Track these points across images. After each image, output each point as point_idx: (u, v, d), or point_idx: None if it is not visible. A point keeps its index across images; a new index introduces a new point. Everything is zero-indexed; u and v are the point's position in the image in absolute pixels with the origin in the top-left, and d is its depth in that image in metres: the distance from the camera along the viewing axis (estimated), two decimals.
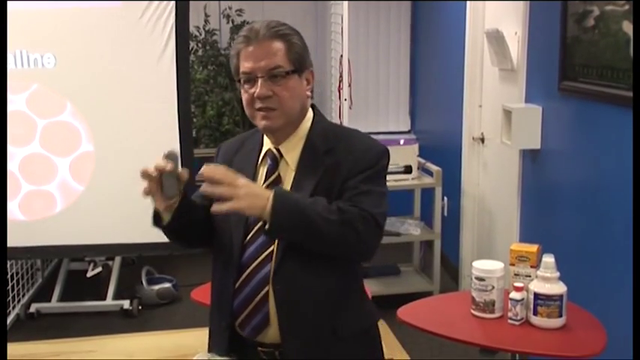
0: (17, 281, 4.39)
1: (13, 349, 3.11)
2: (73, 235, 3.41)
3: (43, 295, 4.54)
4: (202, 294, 2.82)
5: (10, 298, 4.25)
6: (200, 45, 5.46)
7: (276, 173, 1.78)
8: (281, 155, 1.79)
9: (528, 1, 3.59)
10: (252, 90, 1.70)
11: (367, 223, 1.69)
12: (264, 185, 1.77)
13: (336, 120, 5.23)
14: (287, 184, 1.76)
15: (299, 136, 1.79)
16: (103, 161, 3.33)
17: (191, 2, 3.27)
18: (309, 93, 1.78)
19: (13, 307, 4.29)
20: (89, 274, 4.42)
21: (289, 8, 5.85)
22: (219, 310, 1.84)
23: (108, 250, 3.73)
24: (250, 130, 1.96)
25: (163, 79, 3.24)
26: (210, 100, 5.28)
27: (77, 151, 3.33)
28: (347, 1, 4.67)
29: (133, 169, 3.30)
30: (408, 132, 6.11)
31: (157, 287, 4.56)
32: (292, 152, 1.78)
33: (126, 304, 4.35)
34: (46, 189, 3.37)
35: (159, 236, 3.32)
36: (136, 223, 3.36)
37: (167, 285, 4.59)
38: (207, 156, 5.25)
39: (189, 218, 1.76)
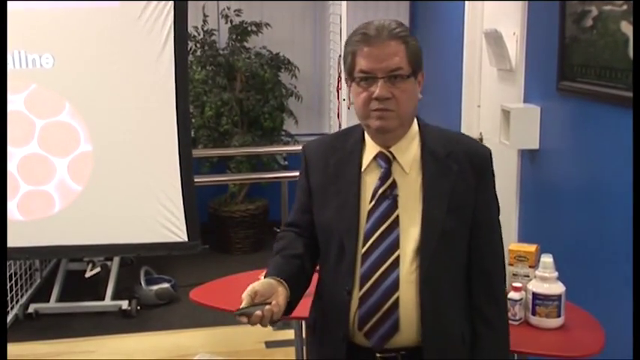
0: (16, 281, 4.39)
1: (11, 349, 3.10)
2: (72, 236, 3.40)
3: (42, 295, 4.53)
4: (201, 294, 2.81)
5: (8, 298, 4.25)
6: (198, 45, 5.45)
7: (391, 178, 1.72)
8: (394, 157, 1.73)
9: (527, 1, 3.59)
10: (372, 89, 1.65)
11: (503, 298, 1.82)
12: (381, 190, 1.71)
13: (334, 119, 5.23)
14: (403, 189, 1.71)
15: (409, 138, 1.74)
16: (101, 161, 3.32)
17: (189, 2, 3.26)
18: (420, 95, 1.74)
19: (12, 308, 4.29)
20: (88, 274, 4.41)
21: (288, 8, 5.85)
22: (333, 322, 1.75)
23: (106, 251, 3.73)
24: (336, 132, 1.90)
25: (162, 80, 3.23)
26: (209, 100, 5.27)
27: (76, 151, 3.33)
28: (345, 1, 4.68)
29: (131, 169, 3.32)
30: None
31: (155, 287, 4.55)
32: (406, 155, 1.73)
33: (124, 304, 4.35)
34: (45, 189, 3.37)
35: (157, 236, 3.34)
36: (134, 223, 3.37)
37: (166, 285, 4.59)
38: (206, 156, 5.27)
39: (302, 287, 1.75)
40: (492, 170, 1.76)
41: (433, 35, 5.46)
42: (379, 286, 1.67)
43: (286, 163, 4.53)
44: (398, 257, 1.68)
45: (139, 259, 4.77)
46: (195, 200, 3.32)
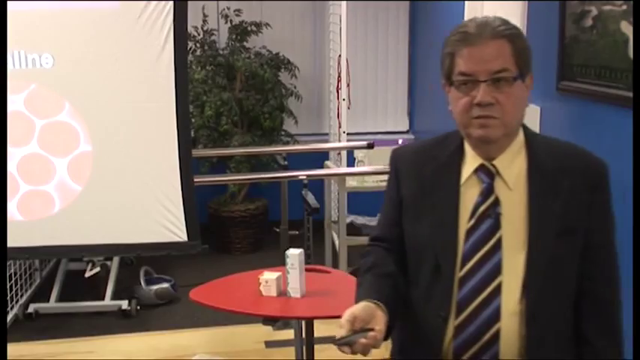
0: (15, 281, 4.39)
1: (11, 349, 3.10)
2: (71, 236, 3.40)
3: (42, 295, 4.53)
4: (201, 294, 2.82)
5: (8, 298, 4.25)
6: (198, 45, 5.45)
7: (494, 194, 1.55)
8: (497, 172, 1.56)
9: (526, 1, 3.59)
10: (473, 94, 1.50)
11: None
12: (483, 208, 1.55)
13: (334, 120, 5.23)
14: (507, 208, 1.54)
15: (515, 150, 1.56)
16: (101, 161, 3.32)
17: (189, 2, 3.26)
18: (527, 101, 1.58)
19: (12, 308, 4.29)
20: (87, 274, 4.41)
21: (288, 8, 5.85)
22: (424, 348, 1.59)
23: (106, 250, 3.72)
24: (431, 138, 1.73)
25: (162, 80, 3.23)
26: (209, 100, 5.27)
27: (75, 151, 3.33)
28: (345, 1, 4.68)
29: (131, 169, 3.32)
30: (407, 132, 6.12)
31: (155, 287, 4.56)
32: (510, 169, 1.56)
33: (124, 304, 4.35)
34: (44, 189, 3.36)
35: (157, 236, 3.33)
36: (134, 223, 3.36)
37: (165, 285, 4.59)
38: (206, 156, 5.26)
39: (398, 308, 1.60)
40: (608, 186, 1.58)
41: (433, 36, 5.46)
42: (478, 315, 1.52)
43: (286, 163, 4.53)
44: (500, 285, 1.51)
45: (138, 259, 4.77)
46: (194, 200, 3.31)
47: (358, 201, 4.83)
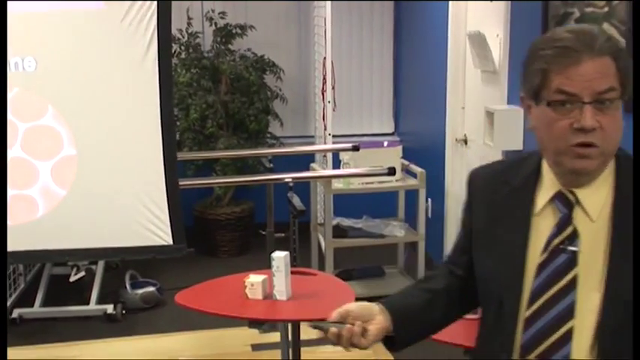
0: None
1: None
2: (56, 240, 3.38)
3: (26, 300, 4.50)
4: (187, 297, 2.81)
5: None
6: (183, 48, 5.44)
7: (572, 226, 1.38)
8: (577, 201, 1.38)
9: (509, 2, 3.61)
10: (573, 115, 1.31)
11: None
12: (557, 241, 1.38)
13: (319, 123, 5.24)
14: (586, 242, 1.36)
15: (602, 177, 1.38)
16: (85, 165, 3.31)
17: (173, 5, 3.25)
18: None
19: None
20: (72, 278, 4.39)
21: (272, 10, 5.85)
22: (495, 341, 1.46)
23: (91, 255, 3.70)
24: (510, 158, 1.61)
25: (146, 82, 3.22)
26: (194, 103, 5.26)
27: (59, 155, 3.31)
28: (330, 2, 4.68)
29: (115, 172, 3.31)
30: (392, 134, 6.13)
31: (140, 291, 4.54)
32: (593, 198, 1.37)
33: (109, 308, 4.32)
34: (28, 193, 3.34)
35: (142, 240, 3.32)
36: (119, 226, 3.35)
37: (151, 289, 4.57)
38: (191, 159, 5.25)
39: (418, 324, 1.55)
40: None
41: (418, 36, 5.48)
42: (551, 308, 1.37)
43: (271, 165, 4.53)
44: (572, 329, 1.34)
45: (124, 263, 4.75)
46: (180, 203, 3.31)
47: (344, 203, 4.84)
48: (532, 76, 1.36)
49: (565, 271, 1.37)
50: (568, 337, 1.35)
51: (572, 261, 1.36)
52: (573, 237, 1.37)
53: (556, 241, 1.38)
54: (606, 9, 2.71)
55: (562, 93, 1.32)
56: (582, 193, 1.38)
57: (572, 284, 1.36)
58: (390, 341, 1.54)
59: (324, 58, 4.92)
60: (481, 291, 1.52)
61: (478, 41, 3.97)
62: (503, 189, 1.48)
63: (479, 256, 1.52)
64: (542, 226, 1.41)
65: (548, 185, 1.42)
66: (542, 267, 1.39)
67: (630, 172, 1.37)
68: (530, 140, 3.58)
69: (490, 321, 1.48)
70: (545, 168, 1.44)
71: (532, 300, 1.38)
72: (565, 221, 1.38)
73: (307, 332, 3.48)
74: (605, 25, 2.66)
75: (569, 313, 1.35)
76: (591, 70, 1.30)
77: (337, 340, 1.46)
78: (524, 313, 1.39)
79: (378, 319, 1.49)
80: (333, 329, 1.45)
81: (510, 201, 1.46)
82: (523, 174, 1.47)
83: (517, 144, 3.50)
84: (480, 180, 1.56)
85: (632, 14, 1.98)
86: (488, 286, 1.48)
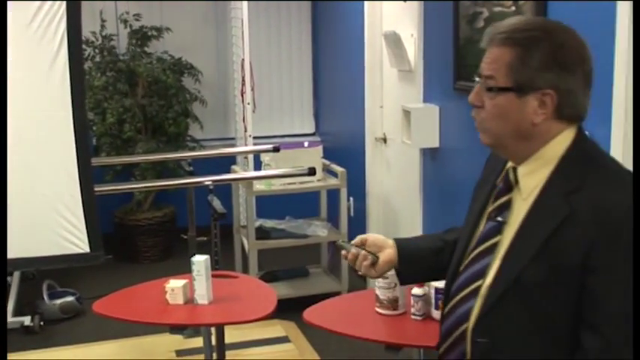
0: None
1: None
2: None
3: None
4: (105, 306, 2.75)
5: None
6: (97, 51, 5.32)
7: (505, 197, 1.50)
8: (515, 178, 1.49)
9: (422, 2, 3.67)
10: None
11: None
12: (490, 209, 1.53)
13: (240, 125, 5.21)
14: (514, 218, 1.47)
15: (543, 161, 1.44)
16: None
17: (86, 7, 3.18)
18: (537, 118, 1.41)
19: None
20: None
21: (188, 11, 5.79)
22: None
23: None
24: None
25: (57, 87, 3.13)
26: (110, 107, 5.15)
27: None
28: (246, 2, 4.66)
29: (28, 181, 3.20)
30: (313, 134, 6.15)
31: (59, 301, 4.42)
32: (530, 179, 1.46)
33: (27, 320, 4.19)
34: None
35: (58, 248, 3.23)
36: (33, 235, 3.24)
37: (70, 298, 4.46)
38: (109, 164, 5.14)
39: (423, 265, 1.76)
40: (630, 230, 1.33)
41: (335, 37, 5.52)
42: (455, 312, 1.53)
43: (191, 169, 4.48)
44: (478, 288, 1.47)
45: (41, 273, 4.61)
46: (96, 210, 3.23)
47: (266, 204, 4.83)
48: None
49: (489, 238, 1.50)
50: (475, 294, 1.48)
51: (497, 230, 1.49)
52: (503, 209, 1.50)
53: (489, 209, 1.54)
54: (513, 8, 2.80)
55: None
56: (522, 173, 1.48)
57: (491, 249, 1.48)
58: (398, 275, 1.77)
59: (243, 59, 4.90)
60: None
61: (393, 41, 4.03)
62: (495, 158, 1.61)
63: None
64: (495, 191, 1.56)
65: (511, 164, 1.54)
66: (480, 232, 1.55)
67: (567, 164, 1.43)
68: (447, 137, 3.66)
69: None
70: None
71: (466, 258, 1.55)
72: (499, 194, 1.52)
73: (232, 336, 3.47)
74: None
75: (480, 274, 1.48)
76: (490, 55, 1.45)
77: (354, 262, 1.72)
78: (460, 268, 1.56)
79: (387, 251, 1.72)
80: (354, 250, 1.71)
81: (493, 167, 1.61)
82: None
83: (433, 141, 3.58)
84: (490, 160, 1.67)
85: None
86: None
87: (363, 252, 1.71)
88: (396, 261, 1.73)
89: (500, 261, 1.45)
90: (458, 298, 1.52)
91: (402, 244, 1.75)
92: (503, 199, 1.50)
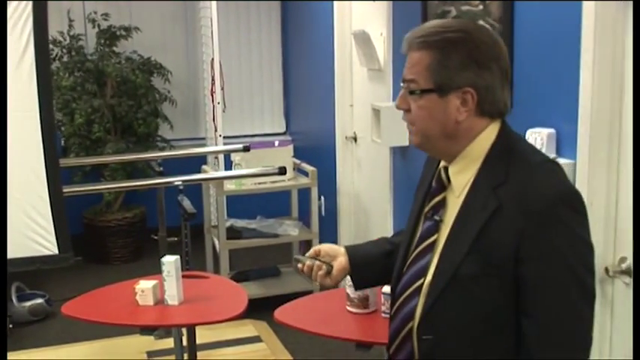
0: None
1: None
2: None
3: None
4: (74, 308, 2.73)
5: None
6: (65, 51, 5.27)
7: (440, 196, 1.54)
8: (447, 177, 1.53)
9: (391, 2, 3.69)
10: None
11: None
12: (426, 210, 1.56)
13: (210, 125, 5.19)
14: (449, 216, 1.50)
15: (470, 158, 1.49)
16: None
17: (53, 7, 3.15)
18: (461, 116, 1.45)
19: None
20: None
21: (157, 10, 5.76)
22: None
23: None
24: None
25: (24, 88, 3.09)
26: (79, 107, 5.11)
27: None
28: (215, 2, 4.64)
29: None
30: (283, 133, 6.15)
31: (28, 304, 4.38)
32: (460, 177, 1.50)
33: None
34: None
35: (25, 250, 3.20)
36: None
37: (39, 301, 4.41)
38: (78, 165, 5.09)
39: (375, 270, 1.79)
40: (559, 217, 1.38)
41: (305, 36, 5.52)
42: (401, 311, 1.56)
43: (161, 169, 4.45)
44: (421, 286, 1.51)
45: (9, 275, 4.56)
46: (64, 211, 3.20)
47: (237, 204, 4.82)
48: None
49: (427, 237, 1.54)
50: (417, 292, 1.51)
51: (434, 228, 1.53)
52: (438, 207, 1.54)
53: (426, 209, 1.57)
54: (481, 7, 2.82)
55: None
56: (452, 171, 1.52)
57: (430, 248, 1.52)
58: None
59: (212, 59, 4.88)
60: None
61: (363, 40, 4.04)
62: (429, 162, 1.66)
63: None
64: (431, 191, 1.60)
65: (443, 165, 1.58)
66: (419, 232, 1.59)
67: (493, 160, 1.46)
68: None
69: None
70: None
71: (407, 258, 1.58)
72: (433, 194, 1.56)
73: (203, 336, 3.46)
74: (481, 23, 2.77)
75: (422, 273, 1.52)
76: (410, 59, 1.49)
77: (309, 273, 1.77)
78: (404, 269, 1.59)
79: (340, 260, 1.77)
80: (309, 262, 1.77)
81: (430, 167, 1.64)
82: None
83: (403, 139, 3.58)
84: (429, 160, 1.68)
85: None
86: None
87: (318, 262, 1.76)
88: (349, 268, 1.78)
89: (438, 258, 1.49)
90: (402, 297, 1.55)
91: (352, 251, 1.80)
92: (438, 198, 1.55)
